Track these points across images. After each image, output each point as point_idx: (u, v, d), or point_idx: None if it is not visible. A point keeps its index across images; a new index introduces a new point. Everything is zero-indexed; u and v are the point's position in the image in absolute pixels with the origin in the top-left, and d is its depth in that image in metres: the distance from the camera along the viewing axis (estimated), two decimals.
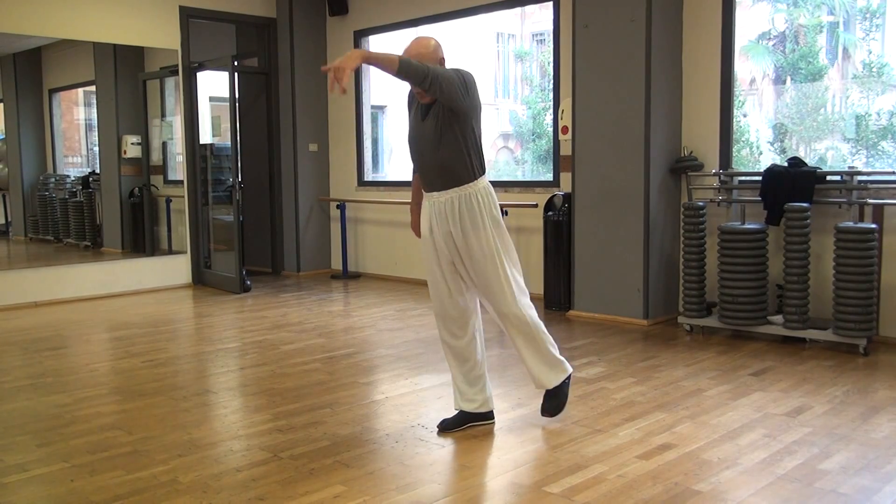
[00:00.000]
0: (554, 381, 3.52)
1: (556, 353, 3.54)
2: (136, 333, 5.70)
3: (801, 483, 2.90)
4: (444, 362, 3.98)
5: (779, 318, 5.11)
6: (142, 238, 8.21)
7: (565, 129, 6.33)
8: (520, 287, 3.41)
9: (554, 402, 3.56)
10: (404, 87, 3.35)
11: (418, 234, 3.58)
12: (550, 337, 3.53)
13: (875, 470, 3.02)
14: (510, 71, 14.22)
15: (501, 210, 3.52)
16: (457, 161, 3.28)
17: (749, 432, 3.44)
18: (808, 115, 6.16)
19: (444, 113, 3.23)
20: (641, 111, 5.53)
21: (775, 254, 5.26)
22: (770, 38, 6.51)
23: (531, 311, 3.43)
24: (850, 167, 5.18)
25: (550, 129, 7.33)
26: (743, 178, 5.51)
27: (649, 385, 4.19)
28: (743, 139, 6.04)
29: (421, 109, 3.36)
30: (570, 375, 3.59)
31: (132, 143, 8.09)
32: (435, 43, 3.30)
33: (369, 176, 8.41)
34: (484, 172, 3.38)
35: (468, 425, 3.51)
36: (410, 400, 3.99)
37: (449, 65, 3.33)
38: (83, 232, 8.41)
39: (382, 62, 3.02)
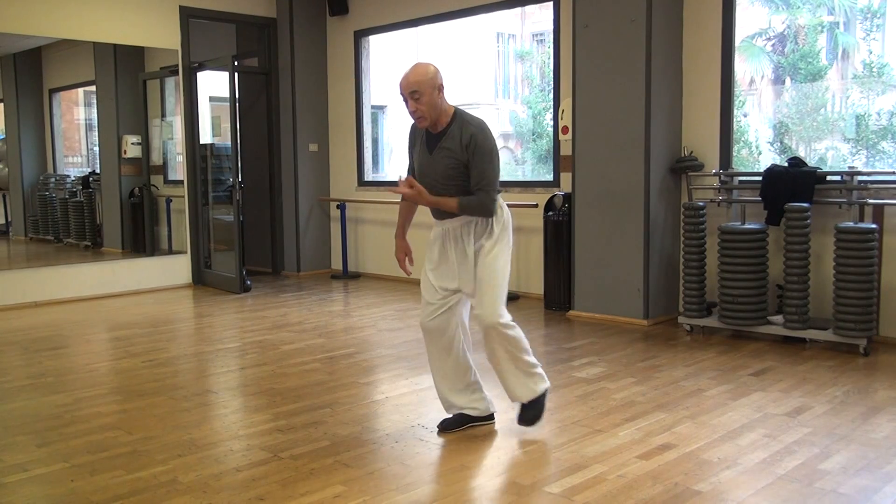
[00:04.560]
0: (528, 396, 3.42)
1: (536, 368, 3.44)
2: (136, 333, 5.70)
3: (801, 483, 2.90)
4: None
5: (779, 318, 5.11)
6: (142, 238, 8.21)
7: (565, 129, 6.33)
8: (504, 305, 3.36)
9: (531, 412, 3.44)
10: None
11: (402, 263, 3.53)
12: (531, 352, 3.44)
13: (875, 470, 3.02)
14: (510, 71, 14.22)
15: None
16: (471, 192, 3.28)
17: (749, 432, 3.44)
18: (808, 115, 6.16)
19: (456, 163, 3.23)
20: (641, 111, 5.53)
21: (775, 254, 5.26)
22: (769, 38, 6.51)
23: (515, 326, 3.36)
24: (850, 167, 5.17)
25: (550, 129, 7.33)
26: (743, 178, 5.51)
27: (649, 385, 4.19)
28: (743, 139, 6.04)
29: (428, 142, 3.33)
30: (547, 390, 3.46)
31: (132, 143, 8.09)
32: (433, 70, 3.25)
33: (369, 176, 8.41)
34: (499, 193, 3.37)
35: (468, 425, 3.51)
36: (410, 400, 3.99)
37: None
38: (83, 232, 8.41)
39: (447, 207, 3.26)
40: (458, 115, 3.29)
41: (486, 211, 3.23)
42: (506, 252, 3.34)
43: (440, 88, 3.24)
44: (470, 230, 3.31)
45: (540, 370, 3.47)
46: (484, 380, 3.57)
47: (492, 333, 3.33)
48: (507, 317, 3.32)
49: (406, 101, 3.24)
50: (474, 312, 3.38)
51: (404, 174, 3.45)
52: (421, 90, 3.18)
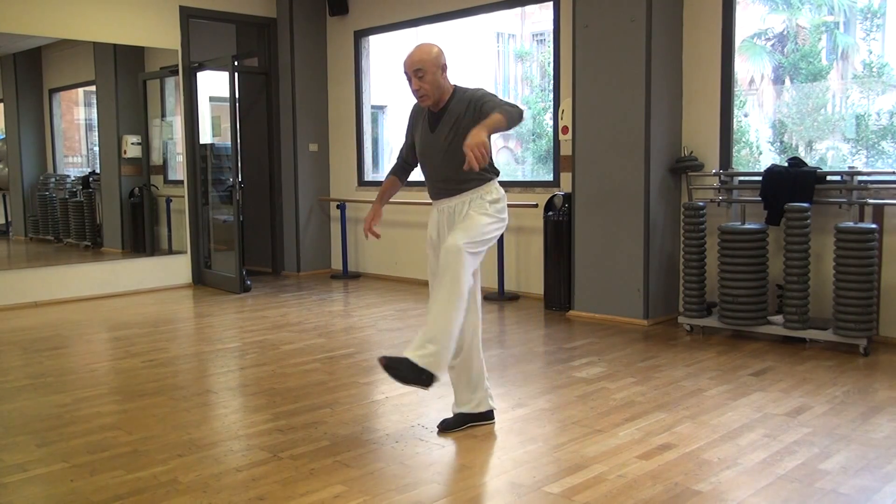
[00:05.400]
0: (421, 361, 3.11)
1: (452, 345, 3.19)
2: (136, 333, 5.70)
3: (801, 483, 2.90)
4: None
5: (779, 318, 5.11)
6: (142, 238, 8.21)
7: (565, 129, 6.33)
8: (474, 258, 3.22)
9: (402, 367, 3.14)
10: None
11: (368, 225, 3.51)
12: (455, 331, 3.19)
13: (875, 470, 3.02)
14: (510, 71, 14.21)
15: None
16: (471, 171, 3.28)
17: (749, 432, 3.44)
18: (809, 116, 6.15)
19: (461, 129, 3.23)
20: (641, 111, 5.53)
21: (775, 254, 5.26)
22: (769, 39, 6.51)
23: (470, 279, 3.20)
24: (850, 167, 5.18)
25: (549, 129, 7.33)
26: (743, 178, 5.51)
27: (649, 385, 4.19)
28: (743, 139, 6.04)
29: (429, 121, 3.35)
30: (434, 376, 3.15)
31: (132, 143, 8.09)
32: (437, 50, 3.29)
33: (369, 176, 8.41)
34: (497, 175, 3.39)
35: (468, 425, 3.51)
36: (410, 400, 3.99)
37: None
38: (83, 232, 8.41)
39: (497, 129, 3.12)
40: (458, 91, 3.33)
41: (517, 112, 3.13)
42: (492, 221, 3.28)
43: (444, 68, 3.28)
44: (464, 208, 3.32)
45: (445, 356, 3.17)
46: (490, 378, 3.58)
47: (449, 260, 3.13)
48: (470, 256, 3.14)
49: (409, 79, 3.27)
50: (445, 246, 3.20)
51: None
52: (425, 68, 3.22)
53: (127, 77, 8.00)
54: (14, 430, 3.60)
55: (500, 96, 3.34)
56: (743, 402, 3.88)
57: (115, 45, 7.59)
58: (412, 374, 3.14)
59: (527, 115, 3.22)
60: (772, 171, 5.15)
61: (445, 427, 3.48)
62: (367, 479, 2.97)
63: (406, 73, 3.28)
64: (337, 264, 8.47)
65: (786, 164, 5.19)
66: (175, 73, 7.75)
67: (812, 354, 4.80)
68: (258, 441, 3.40)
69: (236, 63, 7.77)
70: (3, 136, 8.22)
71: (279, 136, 8.42)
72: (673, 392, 4.06)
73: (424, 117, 3.39)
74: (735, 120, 5.71)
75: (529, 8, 7.61)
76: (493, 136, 3.30)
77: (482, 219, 3.28)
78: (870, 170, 5.12)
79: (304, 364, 4.74)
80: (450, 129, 3.28)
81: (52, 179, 8.47)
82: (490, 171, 3.35)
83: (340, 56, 8.35)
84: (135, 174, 8.17)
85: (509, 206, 3.50)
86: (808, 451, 3.21)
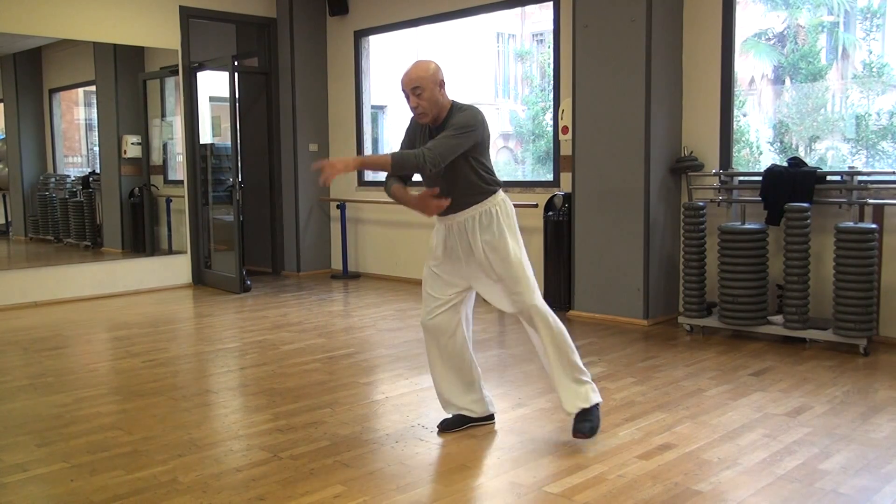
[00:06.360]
0: (575, 408, 3.29)
1: (585, 377, 3.32)
2: (136, 333, 5.70)
3: (801, 483, 2.90)
4: None
5: (779, 318, 5.11)
6: (142, 238, 8.21)
7: (565, 129, 6.33)
8: (533, 283, 3.33)
9: (586, 423, 3.29)
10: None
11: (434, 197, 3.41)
12: (579, 357, 3.33)
13: (875, 470, 3.02)
14: (510, 71, 14.22)
15: None
16: (471, 185, 3.28)
17: (749, 432, 3.44)
18: (809, 116, 6.16)
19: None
20: (641, 111, 5.53)
21: (775, 254, 5.26)
22: (769, 38, 6.51)
23: (555, 317, 3.30)
24: (850, 167, 5.18)
25: (550, 129, 7.34)
26: (743, 178, 5.51)
27: (649, 385, 4.19)
28: (743, 139, 6.04)
29: (429, 134, 3.34)
30: (598, 404, 3.35)
31: (132, 143, 8.09)
32: (434, 66, 3.27)
33: (369, 176, 8.41)
34: (500, 187, 3.38)
35: (468, 426, 3.51)
36: (410, 400, 3.99)
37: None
38: (83, 232, 8.41)
39: (377, 166, 3.10)
40: (454, 107, 3.32)
41: (413, 165, 3.12)
42: (515, 246, 3.31)
43: (441, 84, 3.27)
44: (474, 224, 3.30)
45: (590, 382, 3.34)
46: (485, 379, 3.58)
47: (534, 319, 3.26)
48: (543, 303, 3.28)
49: (407, 97, 3.26)
50: (515, 308, 3.30)
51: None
52: (423, 86, 3.21)
53: (127, 77, 8.00)
54: (14, 430, 3.61)
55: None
56: (743, 402, 3.88)
57: (115, 45, 7.59)
58: (595, 416, 3.31)
59: (430, 165, 3.15)
60: (772, 171, 5.15)
61: (445, 427, 3.48)
62: (367, 479, 2.97)
63: (404, 90, 3.25)
64: (337, 264, 8.48)
65: (786, 164, 5.19)
66: (175, 73, 7.75)
67: (812, 354, 4.80)
68: (258, 441, 3.41)
69: (236, 63, 7.77)
70: (3, 136, 8.22)
71: (279, 136, 8.42)
72: (673, 392, 4.06)
73: (425, 134, 3.38)
74: (735, 120, 5.71)
75: (529, 8, 7.62)
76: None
77: (514, 253, 3.28)
78: (870, 170, 5.12)
79: (304, 364, 4.74)
80: None
81: (52, 179, 8.47)
82: (493, 184, 3.34)
83: (340, 56, 8.35)
84: (135, 174, 8.17)
85: None
86: (808, 451, 3.21)
